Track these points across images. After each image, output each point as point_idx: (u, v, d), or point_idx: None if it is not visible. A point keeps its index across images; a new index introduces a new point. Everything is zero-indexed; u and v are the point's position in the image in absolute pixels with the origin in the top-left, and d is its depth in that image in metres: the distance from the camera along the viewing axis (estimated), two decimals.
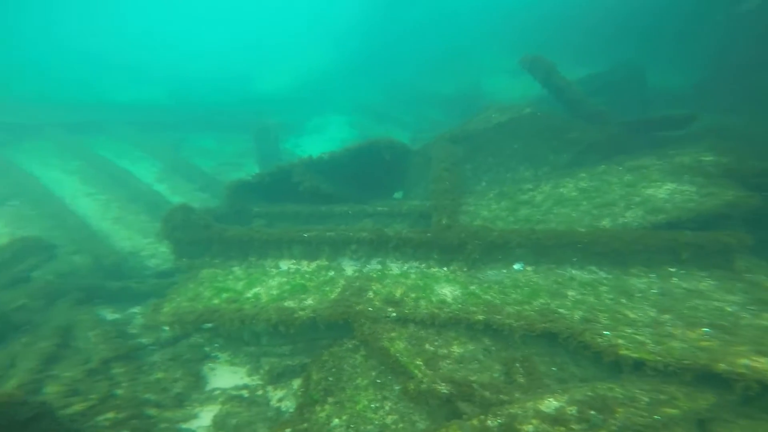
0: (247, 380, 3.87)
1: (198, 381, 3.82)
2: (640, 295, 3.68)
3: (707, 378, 2.66)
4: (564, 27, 13.87)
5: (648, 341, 2.99)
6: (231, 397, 3.66)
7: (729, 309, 3.35)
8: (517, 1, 18.85)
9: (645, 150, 5.94)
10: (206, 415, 3.48)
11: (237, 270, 4.64)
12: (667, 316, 3.29)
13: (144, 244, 6.21)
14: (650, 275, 4.00)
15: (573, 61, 8.83)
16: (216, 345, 4.22)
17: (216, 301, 4.05)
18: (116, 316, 4.74)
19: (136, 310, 4.91)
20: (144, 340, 4.20)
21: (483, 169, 5.85)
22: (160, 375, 3.76)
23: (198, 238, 4.59)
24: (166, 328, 3.94)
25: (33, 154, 9.21)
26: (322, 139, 12.68)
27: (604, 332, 3.16)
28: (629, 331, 3.15)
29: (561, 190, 5.21)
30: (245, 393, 3.72)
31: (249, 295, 4.13)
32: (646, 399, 2.64)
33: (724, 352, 2.71)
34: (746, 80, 8.80)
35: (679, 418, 2.54)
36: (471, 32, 17.81)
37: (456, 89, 13.63)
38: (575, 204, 4.84)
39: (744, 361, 2.58)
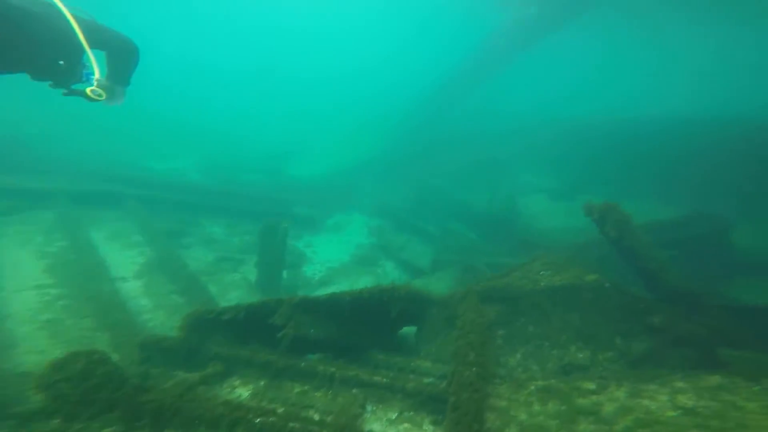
0: None
1: None
2: None
3: None
4: (620, 151, 12.70)
5: None
6: None
7: None
8: (564, 113, 18.37)
9: (758, 346, 4.21)
10: None
11: None
12: None
13: None
14: None
15: (626, 195, 7.31)
16: None
17: None
18: None
19: None
20: None
21: (520, 338, 4.21)
22: None
23: (94, 398, 3.07)
24: None
25: (27, 226, 7.84)
26: (337, 241, 11.31)
27: None
28: None
29: (646, 402, 3.42)
30: None
31: None
32: None
33: None
34: None
35: None
36: (512, 143, 17.15)
37: (488, 204, 12.41)
38: None
39: None
